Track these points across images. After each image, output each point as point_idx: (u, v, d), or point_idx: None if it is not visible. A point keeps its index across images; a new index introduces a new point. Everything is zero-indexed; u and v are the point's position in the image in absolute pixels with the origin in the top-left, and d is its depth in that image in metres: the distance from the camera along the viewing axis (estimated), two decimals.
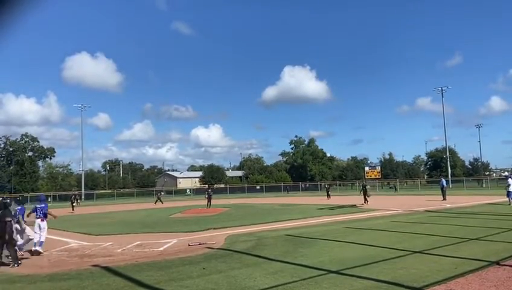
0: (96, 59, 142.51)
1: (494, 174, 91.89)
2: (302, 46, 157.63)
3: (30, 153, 79.63)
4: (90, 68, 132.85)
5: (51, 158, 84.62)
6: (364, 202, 26.06)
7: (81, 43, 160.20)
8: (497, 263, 7.52)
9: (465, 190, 47.06)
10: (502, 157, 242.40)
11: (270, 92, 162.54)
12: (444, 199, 28.09)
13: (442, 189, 29.28)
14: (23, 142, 78.95)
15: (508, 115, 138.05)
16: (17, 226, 10.42)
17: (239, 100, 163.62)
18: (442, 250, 9.13)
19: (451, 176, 65.18)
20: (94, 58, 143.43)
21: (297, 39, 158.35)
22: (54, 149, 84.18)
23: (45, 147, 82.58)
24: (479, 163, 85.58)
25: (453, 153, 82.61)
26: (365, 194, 26.60)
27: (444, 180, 31.10)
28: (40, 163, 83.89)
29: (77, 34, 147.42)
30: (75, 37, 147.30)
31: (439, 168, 79.68)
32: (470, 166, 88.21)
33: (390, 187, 69.37)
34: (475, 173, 78.46)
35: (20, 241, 10.68)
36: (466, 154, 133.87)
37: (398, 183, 62.53)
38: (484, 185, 58.09)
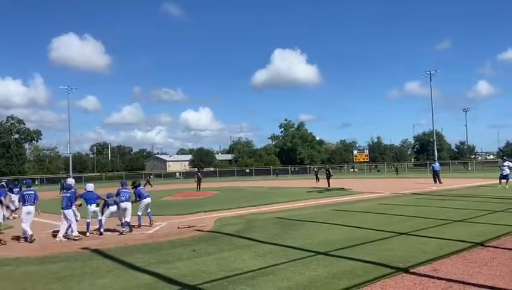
0: (84, 40, 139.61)
1: (480, 157, 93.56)
2: (293, 29, 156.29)
3: (16, 136, 78.28)
4: (78, 50, 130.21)
5: (37, 141, 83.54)
6: (329, 186, 27.94)
7: (68, 24, 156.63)
8: (482, 244, 7.70)
9: (451, 173, 47.79)
10: (488, 141, 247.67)
11: (260, 76, 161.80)
12: (439, 182, 27.91)
13: (436, 172, 29.14)
14: (8, 124, 77.58)
15: (494, 100, 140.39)
16: None
17: (229, 83, 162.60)
18: (427, 231, 9.31)
19: (437, 159, 65.98)
20: (82, 40, 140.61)
21: (288, 22, 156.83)
22: (40, 132, 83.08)
23: (31, 130, 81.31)
24: (465, 146, 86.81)
25: (440, 136, 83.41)
26: (328, 178, 28.78)
27: (437, 164, 30.65)
28: (26, 145, 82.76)
29: (65, 14, 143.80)
30: (62, 17, 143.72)
31: (426, 152, 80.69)
32: (456, 149, 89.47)
33: (378, 170, 70.11)
34: (461, 157, 79.63)
35: None
36: (453, 138, 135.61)
37: (398, 166, 62.27)
38: (470, 168, 59.12)
